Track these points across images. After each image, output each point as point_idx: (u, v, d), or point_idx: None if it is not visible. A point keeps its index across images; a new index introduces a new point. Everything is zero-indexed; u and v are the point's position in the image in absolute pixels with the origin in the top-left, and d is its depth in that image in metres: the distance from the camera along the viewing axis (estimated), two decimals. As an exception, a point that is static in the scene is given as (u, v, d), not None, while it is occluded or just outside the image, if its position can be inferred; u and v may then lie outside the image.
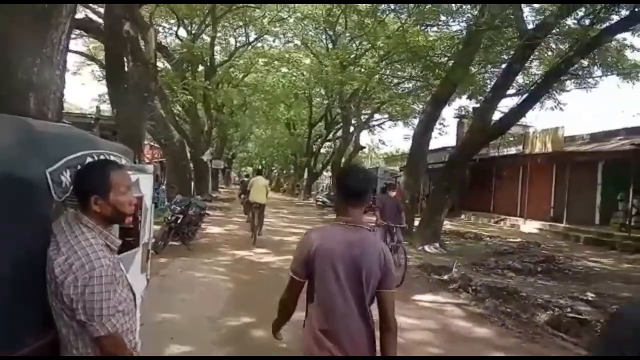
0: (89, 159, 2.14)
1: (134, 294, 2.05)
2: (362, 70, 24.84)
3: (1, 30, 4.44)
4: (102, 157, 2.27)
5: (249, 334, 5.24)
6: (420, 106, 26.30)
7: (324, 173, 46.93)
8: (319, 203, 27.92)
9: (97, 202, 1.84)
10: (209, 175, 24.16)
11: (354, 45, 26.36)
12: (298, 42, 27.92)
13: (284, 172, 61.60)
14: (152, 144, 21.42)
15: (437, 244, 12.63)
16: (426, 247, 12.37)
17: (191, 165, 22.25)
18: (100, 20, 13.96)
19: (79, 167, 2.01)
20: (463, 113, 21.32)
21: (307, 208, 28.47)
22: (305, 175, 42.56)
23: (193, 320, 5.45)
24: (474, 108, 16.92)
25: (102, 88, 26.99)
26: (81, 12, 13.92)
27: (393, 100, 27.10)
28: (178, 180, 18.51)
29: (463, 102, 32.56)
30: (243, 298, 6.69)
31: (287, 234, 14.42)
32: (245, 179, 21.53)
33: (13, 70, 4.30)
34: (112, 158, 2.36)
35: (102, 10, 14.54)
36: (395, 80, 26.88)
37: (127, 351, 1.85)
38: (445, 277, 8.78)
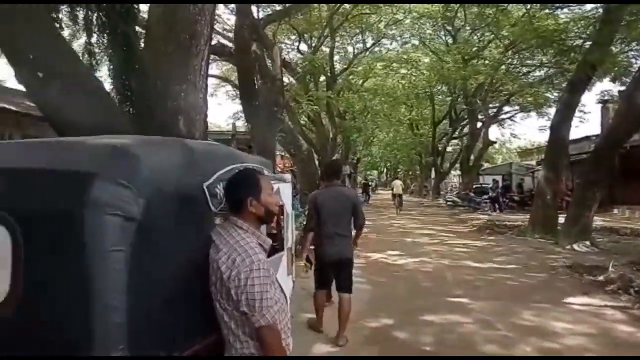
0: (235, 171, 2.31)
1: (285, 295, 2.18)
2: (487, 62, 23.57)
3: (151, 63, 5.04)
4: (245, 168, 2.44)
5: (391, 335, 5.23)
6: (555, 94, 24.19)
7: (452, 172, 45.29)
8: (449, 203, 26.96)
9: (252, 203, 2.04)
10: (345, 182, 24.69)
11: (475, 37, 25.15)
12: (416, 42, 27.37)
13: (410, 173, 60.69)
14: (282, 154, 22.57)
15: (587, 242, 11.40)
16: (575, 246, 11.24)
17: (319, 172, 22.97)
18: (231, 44, 15.14)
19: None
20: (607, 97, 19.16)
21: (436, 208, 27.69)
22: (432, 175, 41.46)
23: (334, 320, 5.57)
24: (619, 91, 15.03)
25: (236, 106, 29.09)
26: (214, 39, 15.16)
27: (523, 90, 25.19)
28: (308, 187, 19.22)
29: (605, 86, 29.28)
30: (381, 300, 6.70)
31: (419, 236, 14.16)
32: (365, 181, 21.83)
33: (164, 98, 4.82)
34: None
35: (231, 34, 15.77)
36: (525, 69, 25.07)
37: (282, 344, 1.97)
38: (601, 277, 7.84)
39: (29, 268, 1.59)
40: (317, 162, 22.26)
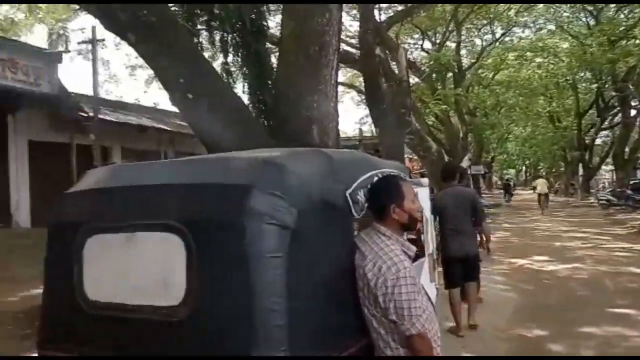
0: (375, 178, 2.31)
1: (431, 303, 2.14)
2: (638, 42, 20.82)
3: (283, 76, 5.31)
4: (385, 174, 2.43)
5: (544, 347, 4.84)
6: None
7: (603, 167, 40.67)
8: (601, 202, 24.11)
9: (395, 210, 2.03)
10: (469, 182, 23.60)
11: (621, 15, 22.38)
12: (552, 27, 25.26)
13: (553, 170, 55.85)
14: (410, 156, 22.27)
15: None
16: None
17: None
18: (354, 50, 15.38)
19: (369, 186, 2.20)
20: None
21: (586, 209, 24.96)
22: (580, 172, 37.55)
23: (479, 328, 5.31)
24: None
25: (362, 112, 29.49)
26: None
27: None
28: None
29: None
30: (530, 309, 6.26)
31: (569, 239, 12.89)
32: (506, 180, 20.68)
33: (297, 109, 5.03)
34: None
35: (354, 40, 16.03)
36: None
37: (433, 352, 1.93)
38: None
39: (200, 273, 1.75)
40: (448, 163, 21.59)
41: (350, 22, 18.98)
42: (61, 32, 16.13)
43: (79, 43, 15.89)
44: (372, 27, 11.45)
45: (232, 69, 7.50)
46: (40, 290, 7.11)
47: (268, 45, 9.05)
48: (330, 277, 1.93)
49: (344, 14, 16.52)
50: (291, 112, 5.07)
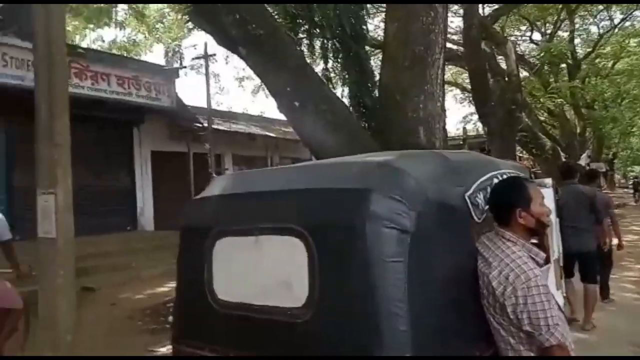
0: (495, 180, 2.21)
1: (562, 311, 2.00)
2: None
3: (388, 78, 5.27)
4: (504, 176, 2.30)
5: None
6: None
7: None
8: None
9: (520, 214, 1.91)
10: (600, 182, 21.62)
11: None
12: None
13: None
14: (520, 155, 20.98)
15: None
16: None
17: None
18: (456, 47, 14.87)
19: (487, 188, 2.11)
20: None
21: None
22: None
23: (613, 342, 4.87)
24: None
25: (465, 110, 28.41)
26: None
27: None
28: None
29: None
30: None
31: None
32: (637, 179, 18.83)
33: (403, 110, 4.97)
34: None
35: (456, 37, 15.48)
36: None
37: None
38: None
39: (321, 276, 1.79)
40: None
41: (451, 18, 18.38)
42: (176, 49, 17.54)
43: (192, 59, 17.20)
44: (477, 21, 10.98)
45: (331, 74, 7.64)
46: (164, 289, 7.78)
47: (367, 48, 9.10)
48: (450, 283, 1.87)
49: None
50: (396, 114, 5.02)
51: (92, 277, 8.39)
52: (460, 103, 25.28)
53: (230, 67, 41.26)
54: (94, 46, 16.60)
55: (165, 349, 5.46)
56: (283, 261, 1.93)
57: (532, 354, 1.81)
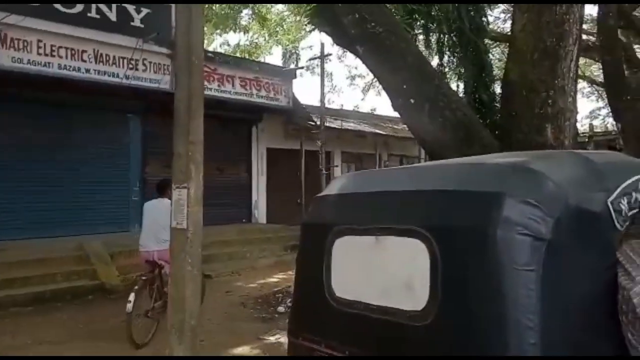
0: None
1: None
2: None
3: (514, 73, 4.96)
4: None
5: None
6: None
7: None
8: None
9: None
10: None
11: None
12: None
13: None
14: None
15: None
16: None
17: None
18: (585, 37, 13.55)
19: (632, 193, 1.90)
20: None
21: None
22: None
23: None
24: None
25: (591, 104, 25.86)
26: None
27: None
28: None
29: None
30: None
31: None
32: None
33: (531, 107, 4.65)
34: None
35: (586, 26, 14.10)
36: None
37: None
38: None
39: (444, 280, 1.73)
40: None
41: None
42: (293, 51, 18.20)
43: (308, 60, 17.72)
44: (614, 8, 9.91)
45: (446, 69, 7.39)
46: (274, 279, 8.17)
47: (486, 41, 8.64)
48: (586, 296, 1.71)
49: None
50: (521, 111, 4.72)
51: (210, 265, 9.07)
52: (588, 97, 23.05)
53: (342, 66, 41.88)
54: (220, 50, 17.84)
55: (274, 338, 5.71)
56: (404, 263, 1.89)
57: None
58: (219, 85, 11.55)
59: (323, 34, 8.27)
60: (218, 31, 16.60)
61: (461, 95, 6.64)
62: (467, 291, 1.69)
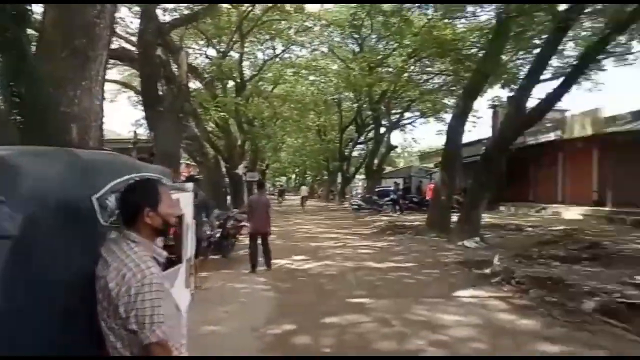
0: (131, 182, 2.28)
1: (179, 310, 2.14)
2: (390, 70, 24.81)
3: (43, 68, 4.77)
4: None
5: (291, 341, 5.30)
6: (452, 100, 26.01)
7: (357, 176, 46.86)
8: (354, 206, 27.80)
9: (148, 214, 1.96)
10: (244, 188, 24.48)
11: (380, 46, 26.41)
12: (325, 49, 28.02)
13: (317, 178, 61.87)
14: (188, 162, 21.99)
15: (477, 239, 12.45)
16: (466, 242, 12.22)
17: (226, 179, 22.76)
18: (133, 48, 14.53)
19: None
20: (497, 103, 20.89)
21: (342, 212, 28.67)
22: (339, 180, 42.82)
23: (237, 331, 5.59)
24: (508, 97, 16.24)
25: (138, 113, 27.83)
26: (114, 43, 14.47)
27: (423, 97, 27.00)
28: (214, 195, 18.90)
29: (496, 92, 31.99)
30: (285, 306, 6.76)
31: (324, 240, 14.56)
32: (281, 187, 22.34)
33: (56, 105, 4.58)
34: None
35: (134, 38, 15.13)
36: (425, 77, 26.74)
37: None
38: (487, 270, 8.63)
39: None
40: (224, 169, 21.99)
41: (131, 19, 17.91)
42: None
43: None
44: (154, 26, 11.03)
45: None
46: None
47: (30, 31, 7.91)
48: (64, 288, 1.80)
49: (124, 8, 15.48)
50: (49, 108, 4.58)
51: None
52: (134, 106, 24.72)
53: None
54: None
55: None
56: None
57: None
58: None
59: None
60: None
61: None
62: None
